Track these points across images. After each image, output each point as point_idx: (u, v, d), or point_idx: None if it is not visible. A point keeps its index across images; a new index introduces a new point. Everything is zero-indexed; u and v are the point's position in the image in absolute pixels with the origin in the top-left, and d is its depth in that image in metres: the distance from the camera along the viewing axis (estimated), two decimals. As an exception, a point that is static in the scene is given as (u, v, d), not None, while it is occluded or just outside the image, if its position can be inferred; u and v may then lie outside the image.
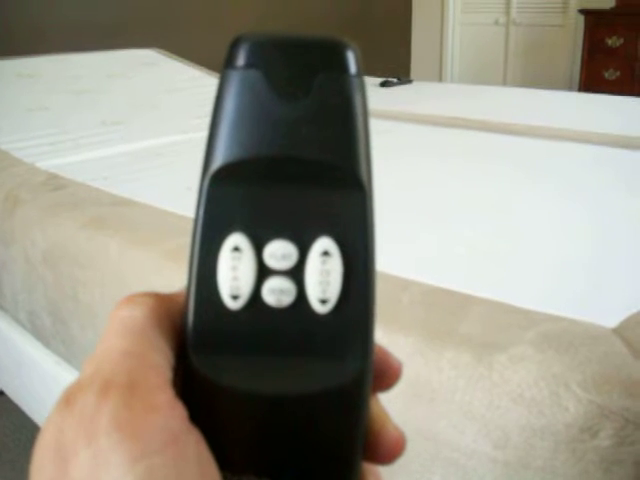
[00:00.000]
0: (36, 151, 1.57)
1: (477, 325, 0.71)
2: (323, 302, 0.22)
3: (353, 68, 0.22)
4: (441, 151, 1.65)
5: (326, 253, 0.22)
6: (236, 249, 0.22)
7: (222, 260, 0.22)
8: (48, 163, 1.49)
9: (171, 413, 0.20)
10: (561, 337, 0.68)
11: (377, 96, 2.54)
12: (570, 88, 3.84)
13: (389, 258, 0.93)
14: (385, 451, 0.23)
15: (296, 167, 0.22)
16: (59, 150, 1.59)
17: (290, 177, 0.22)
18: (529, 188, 1.31)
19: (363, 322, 0.23)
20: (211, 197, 0.22)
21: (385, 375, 0.24)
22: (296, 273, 0.22)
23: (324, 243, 0.22)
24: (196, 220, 0.22)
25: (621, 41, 3.57)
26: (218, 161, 0.22)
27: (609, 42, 3.60)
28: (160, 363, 0.21)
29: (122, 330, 0.22)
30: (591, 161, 1.51)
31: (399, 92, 2.65)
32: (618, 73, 3.59)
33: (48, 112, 1.87)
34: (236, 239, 0.22)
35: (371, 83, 2.86)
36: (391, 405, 0.80)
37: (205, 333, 0.22)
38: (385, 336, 0.73)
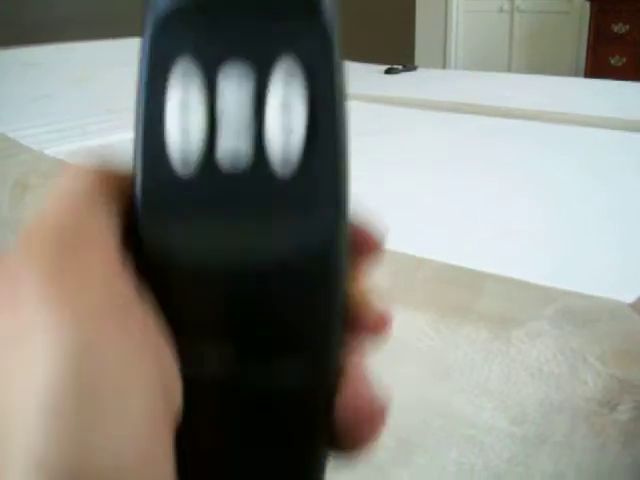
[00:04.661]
0: (44, 138, 1.57)
1: (494, 301, 0.71)
2: (285, 144, 0.19)
3: None
4: (449, 135, 1.64)
5: (287, 101, 0.19)
6: (183, 104, 0.19)
7: (169, 111, 0.19)
8: (56, 150, 1.49)
9: (114, 281, 0.17)
10: (579, 312, 0.68)
11: (383, 83, 2.53)
12: (575, 75, 3.81)
13: (401, 238, 0.93)
14: (369, 323, 0.21)
15: None
16: (67, 137, 1.59)
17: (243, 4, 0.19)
18: (540, 169, 1.30)
19: (334, 171, 0.19)
20: (155, 40, 0.20)
21: (366, 243, 0.21)
22: (253, 125, 0.19)
23: (284, 77, 0.19)
24: (140, 72, 0.20)
25: (627, 27, 3.55)
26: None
27: (615, 28, 3.58)
28: (103, 233, 0.18)
29: (62, 204, 0.19)
30: (605, 144, 1.50)
31: (405, 79, 2.63)
32: (624, 59, 3.57)
33: (54, 100, 1.87)
34: (182, 84, 0.19)
35: (376, 70, 2.85)
36: (407, 382, 0.79)
37: (155, 202, 0.19)
38: (400, 313, 0.73)
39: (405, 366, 0.71)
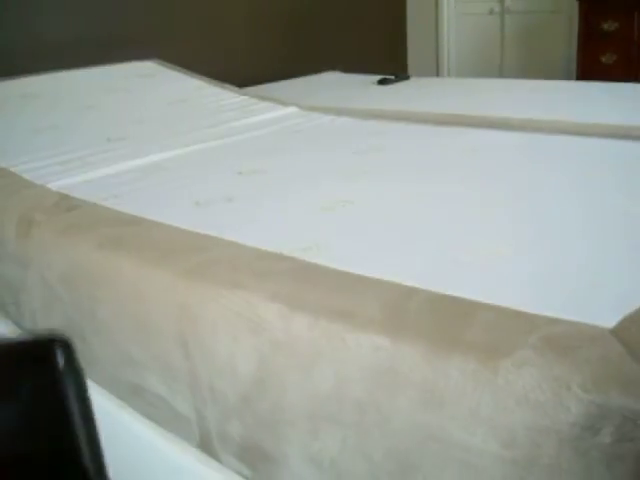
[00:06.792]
0: (45, 172, 1.61)
1: (482, 332, 0.74)
2: None
3: None
4: (439, 151, 1.68)
5: None
6: None
7: None
8: (58, 184, 1.53)
9: None
10: (561, 340, 0.71)
11: (377, 95, 2.57)
12: (567, 74, 3.85)
13: (392, 266, 0.96)
14: None
15: None
16: (68, 170, 1.62)
17: None
18: (526, 185, 1.34)
19: None
20: None
21: None
22: None
23: None
24: None
25: (616, 25, 3.58)
26: None
27: (605, 26, 3.61)
28: None
29: None
30: (590, 154, 1.54)
31: (398, 90, 2.67)
32: (615, 57, 3.60)
33: (54, 131, 1.90)
34: None
35: (369, 81, 2.89)
36: (402, 410, 0.83)
37: None
38: (393, 344, 0.77)
39: (400, 395, 0.75)
